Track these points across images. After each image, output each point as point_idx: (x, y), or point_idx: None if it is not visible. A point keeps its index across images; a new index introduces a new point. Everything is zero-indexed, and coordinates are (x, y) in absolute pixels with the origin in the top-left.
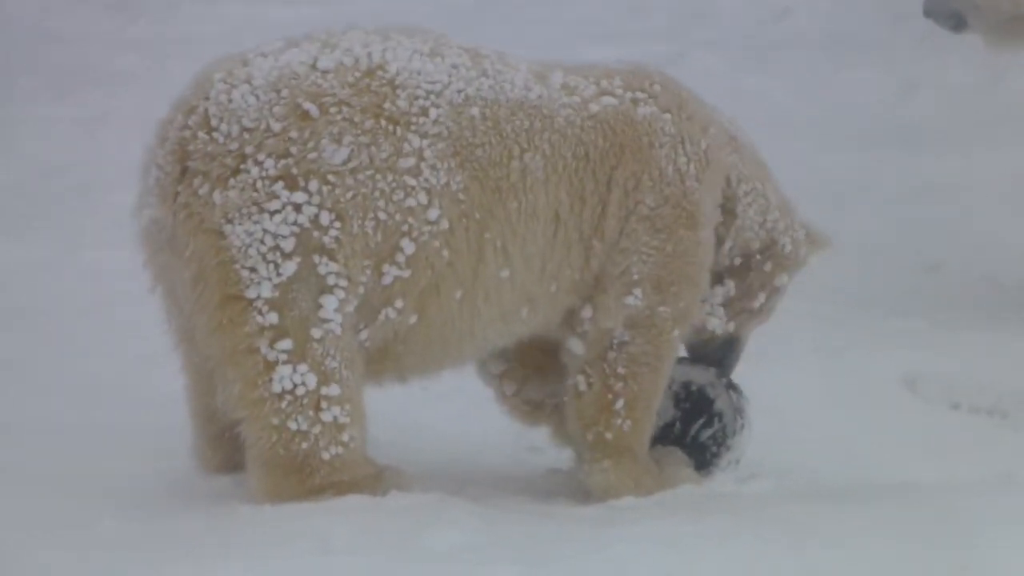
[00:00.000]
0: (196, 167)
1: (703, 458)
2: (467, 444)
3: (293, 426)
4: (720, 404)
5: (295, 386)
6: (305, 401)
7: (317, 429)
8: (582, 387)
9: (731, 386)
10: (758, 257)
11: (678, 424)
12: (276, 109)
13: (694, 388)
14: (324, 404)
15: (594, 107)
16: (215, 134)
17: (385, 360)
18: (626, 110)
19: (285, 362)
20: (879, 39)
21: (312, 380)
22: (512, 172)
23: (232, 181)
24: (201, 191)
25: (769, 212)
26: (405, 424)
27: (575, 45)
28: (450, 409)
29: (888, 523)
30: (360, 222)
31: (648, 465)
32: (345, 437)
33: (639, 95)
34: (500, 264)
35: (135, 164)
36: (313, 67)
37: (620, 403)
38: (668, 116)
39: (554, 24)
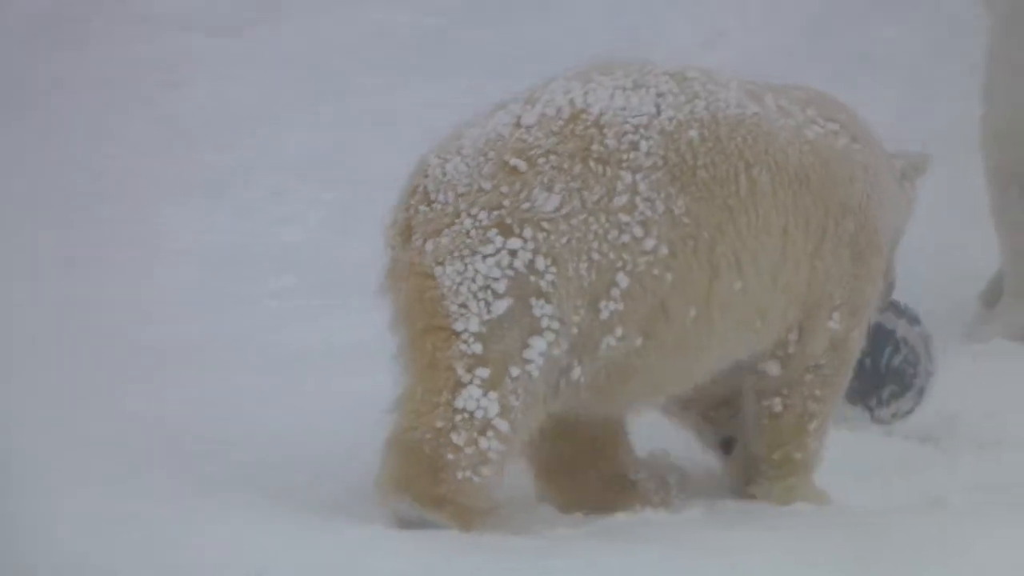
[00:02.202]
0: (416, 233)
1: (904, 382)
2: None
3: (453, 437)
4: (901, 331)
5: (476, 409)
6: (476, 424)
7: (470, 450)
8: (777, 408)
9: (912, 319)
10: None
11: (868, 360)
12: (485, 170)
13: (871, 324)
14: (490, 433)
15: (809, 133)
16: (434, 205)
17: (623, 382)
18: (831, 141)
19: (478, 387)
20: (809, 56)
21: (493, 410)
22: (741, 188)
23: (445, 231)
24: (416, 243)
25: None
26: None
27: (511, 70)
28: None
29: (821, 549)
30: (575, 265)
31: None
32: (485, 471)
33: (833, 126)
34: (734, 277)
35: None
36: (517, 125)
37: (814, 424)
38: (857, 147)
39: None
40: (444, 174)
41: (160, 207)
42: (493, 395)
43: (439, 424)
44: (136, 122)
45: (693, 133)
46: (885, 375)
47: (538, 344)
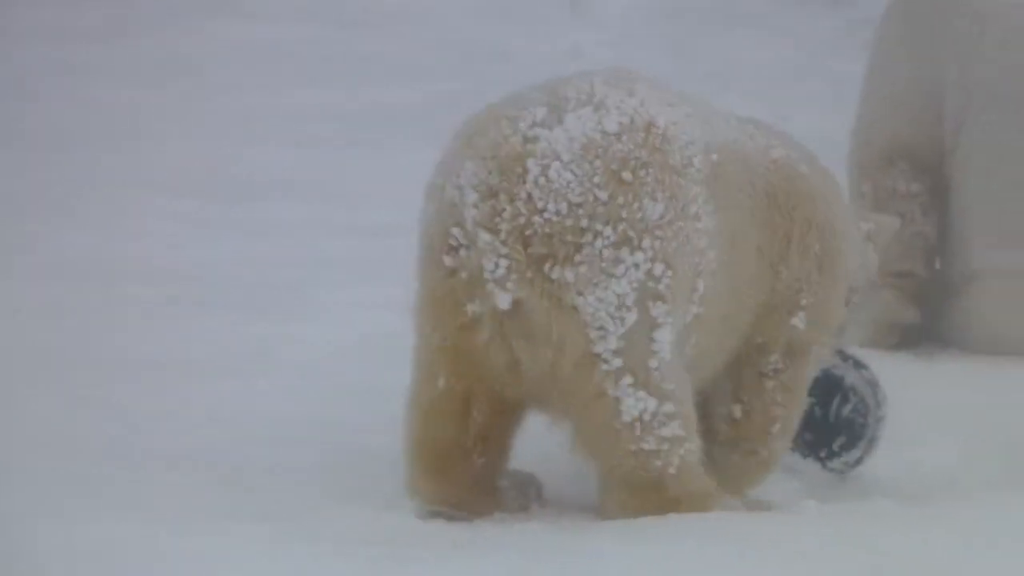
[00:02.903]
0: (539, 251)
1: (854, 431)
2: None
3: (646, 447)
4: (849, 379)
5: (641, 412)
6: (650, 423)
7: (664, 447)
8: (738, 415)
9: (857, 364)
10: None
11: (817, 410)
12: (596, 179)
13: (819, 373)
14: (664, 419)
15: (773, 154)
16: (547, 215)
17: None
18: (794, 162)
19: (630, 394)
20: (667, 75)
21: (652, 403)
22: (740, 212)
23: (578, 256)
24: (553, 274)
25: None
26: None
27: (368, 84)
28: None
29: (679, 553)
30: (682, 267)
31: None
32: (682, 450)
33: (794, 153)
34: (736, 298)
35: None
36: (604, 132)
37: (777, 426)
38: (819, 178)
39: (347, 63)
40: (549, 181)
41: (17, 221)
42: (643, 392)
43: (632, 447)
44: None
45: (714, 156)
46: (835, 425)
47: (661, 336)
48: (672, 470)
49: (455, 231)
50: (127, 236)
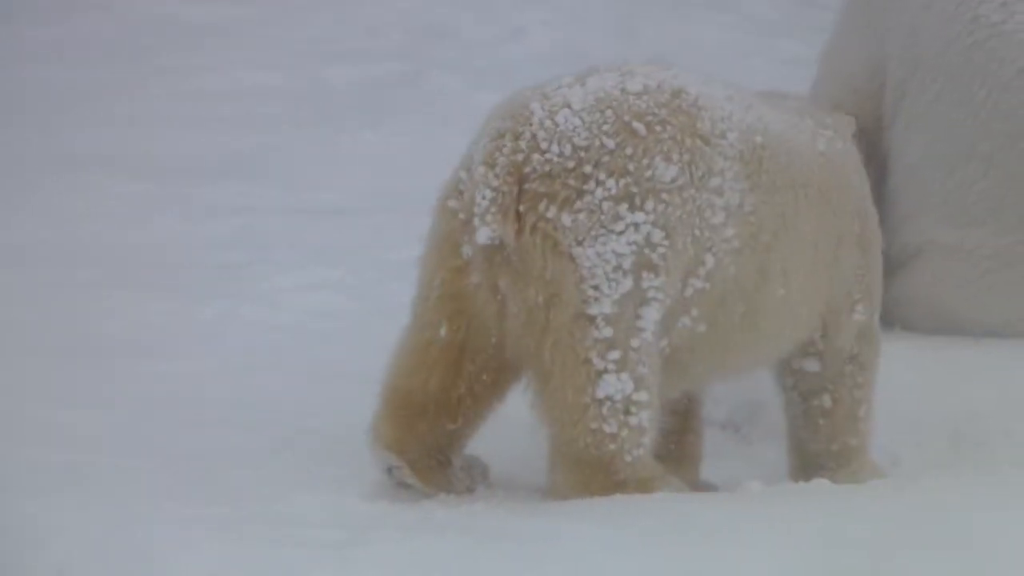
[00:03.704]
0: (536, 188)
1: None
2: None
3: (607, 428)
4: None
5: (615, 392)
6: (620, 406)
7: (624, 432)
8: (828, 404)
9: None
10: None
11: None
12: (605, 127)
13: None
14: (633, 409)
15: (820, 146)
16: (548, 155)
17: (675, 367)
18: (835, 149)
19: (612, 371)
20: (610, 56)
21: (629, 387)
22: (791, 200)
23: (579, 203)
24: (549, 214)
25: None
26: None
27: (310, 64)
28: None
29: (625, 534)
30: (683, 238)
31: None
32: (645, 440)
33: (828, 132)
34: (779, 285)
35: None
36: (624, 91)
37: (863, 409)
38: (849, 147)
39: (289, 43)
40: (556, 124)
41: None
42: (625, 375)
43: (593, 425)
44: None
45: (759, 139)
46: None
47: (648, 313)
48: (627, 457)
49: (462, 174)
50: (71, 218)
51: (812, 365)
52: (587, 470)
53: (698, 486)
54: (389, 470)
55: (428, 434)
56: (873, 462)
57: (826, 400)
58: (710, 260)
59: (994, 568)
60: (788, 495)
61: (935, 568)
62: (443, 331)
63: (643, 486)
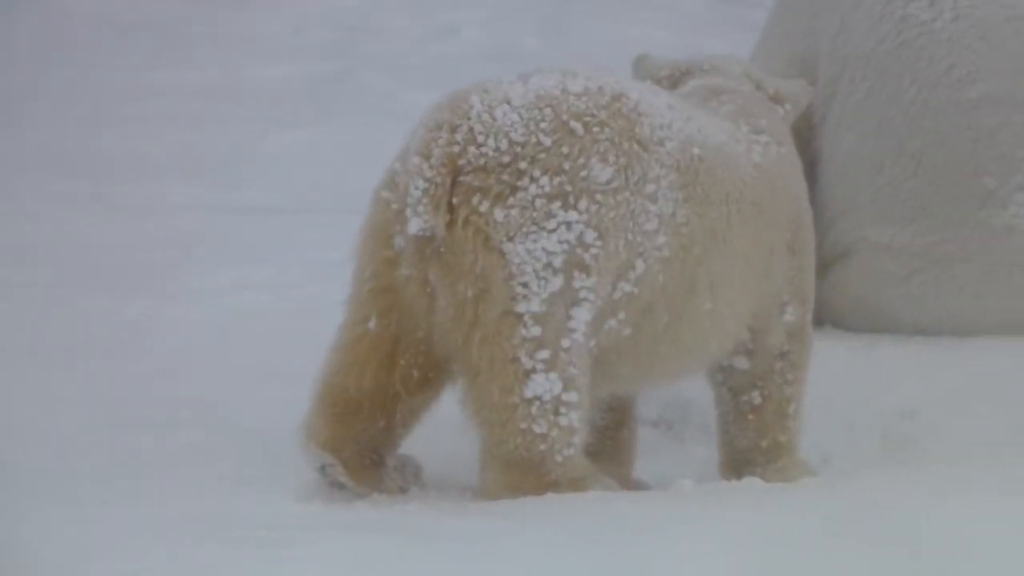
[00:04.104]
0: (470, 181)
1: None
2: None
3: (536, 429)
4: None
5: (544, 392)
6: (549, 406)
7: (555, 433)
8: (757, 400)
9: None
10: None
11: None
12: (543, 124)
13: None
14: (563, 409)
15: (755, 156)
16: (484, 148)
17: (601, 369)
18: (770, 156)
19: (541, 371)
20: (541, 54)
21: (558, 387)
22: (723, 215)
23: (512, 199)
24: (482, 208)
25: None
26: None
27: (239, 63)
28: None
29: (557, 533)
30: (615, 241)
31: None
32: (575, 440)
33: (763, 137)
34: (706, 299)
35: None
36: (565, 90)
37: (792, 407)
38: (784, 151)
39: (217, 42)
40: (493, 119)
41: None
42: (554, 375)
43: (522, 425)
44: None
45: (696, 151)
46: None
47: (579, 314)
48: (558, 457)
49: (397, 165)
50: (1, 218)
51: (741, 363)
52: (518, 471)
53: (631, 483)
54: (322, 468)
55: (362, 432)
56: (802, 459)
57: (755, 397)
58: (640, 265)
59: (929, 563)
60: (721, 493)
61: (872, 564)
62: (373, 324)
63: (575, 486)
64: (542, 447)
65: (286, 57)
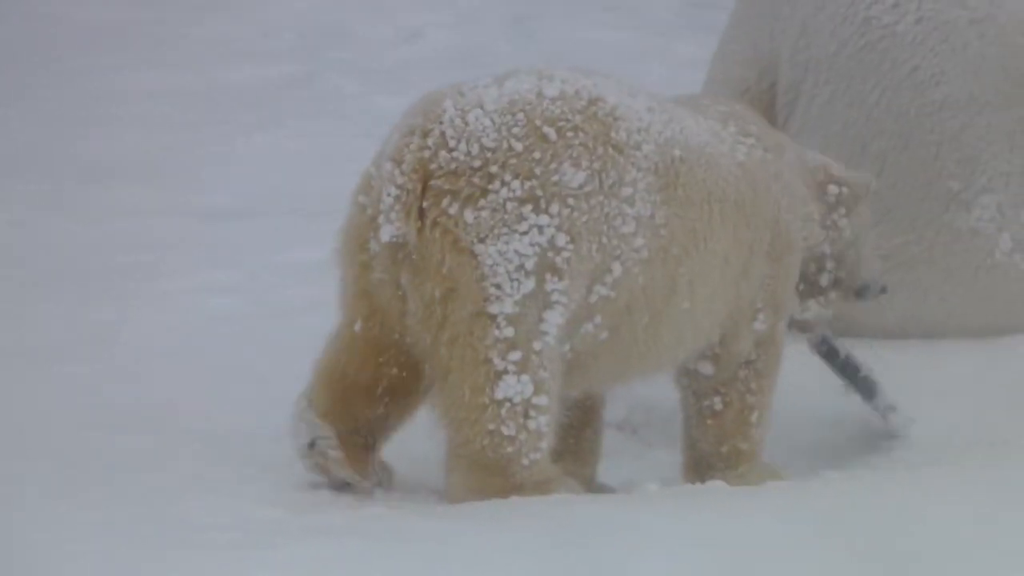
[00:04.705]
0: (440, 185)
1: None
2: None
3: (505, 431)
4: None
5: (515, 394)
6: (519, 409)
7: (523, 436)
8: (719, 407)
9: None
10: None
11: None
12: (515, 130)
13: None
14: (533, 413)
15: (739, 156)
16: (455, 153)
17: (577, 371)
18: (754, 158)
19: (513, 372)
20: (509, 57)
21: (529, 389)
22: (703, 215)
23: (482, 201)
24: (451, 210)
25: (814, 236)
26: None
27: (204, 66)
28: None
29: (522, 536)
30: (588, 244)
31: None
32: (543, 444)
33: (750, 140)
34: (685, 298)
35: None
36: (540, 94)
37: (755, 415)
38: (770, 156)
39: (183, 44)
40: (466, 124)
41: None
42: (526, 377)
43: (491, 426)
44: None
45: (677, 152)
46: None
47: (552, 317)
48: (525, 461)
49: (372, 170)
50: None
51: (706, 368)
52: (483, 472)
53: (593, 484)
54: (312, 443)
55: (361, 413)
56: (766, 467)
57: (717, 402)
58: (617, 268)
59: (901, 564)
60: (686, 496)
61: (842, 567)
62: (359, 327)
63: (540, 489)
64: (509, 449)
65: (253, 60)
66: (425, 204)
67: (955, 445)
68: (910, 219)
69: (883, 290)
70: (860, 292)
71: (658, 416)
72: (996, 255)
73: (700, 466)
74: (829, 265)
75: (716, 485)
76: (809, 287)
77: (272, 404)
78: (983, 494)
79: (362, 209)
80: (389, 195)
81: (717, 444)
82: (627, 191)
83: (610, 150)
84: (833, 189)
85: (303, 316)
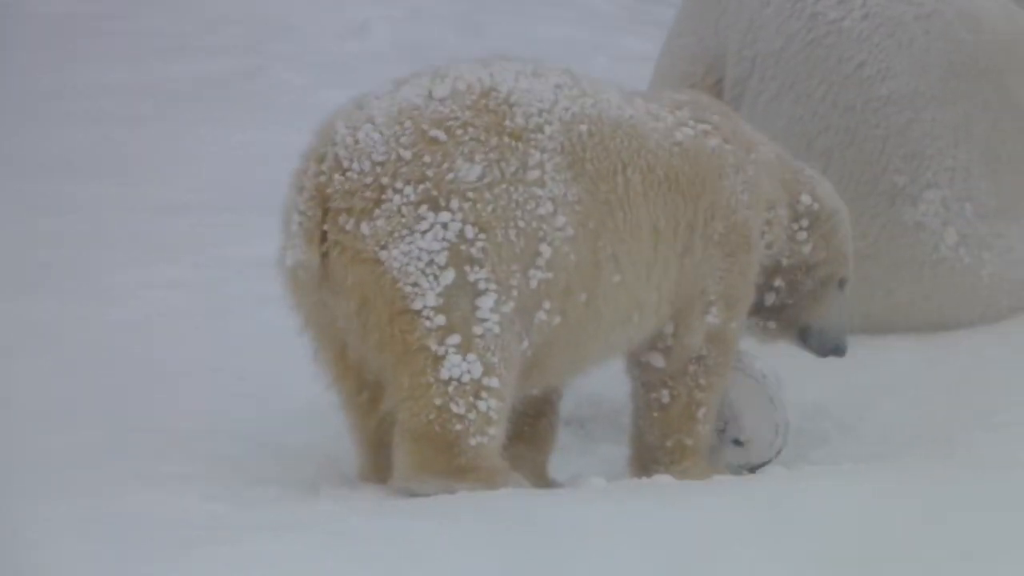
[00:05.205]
0: (337, 206)
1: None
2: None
3: (454, 408)
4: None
5: (462, 374)
6: (468, 388)
7: (472, 415)
8: (666, 400)
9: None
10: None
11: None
12: (403, 139)
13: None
14: (483, 394)
15: (678, 135)
16: (349, 173)
17: (536, 368)
18: (701, 142)
19: (455, 353)
20: (456, 52)
21: (478, 370)
22: (618, 186)
23: (377, 212)
24: (347, 226)
25: (778, 241)
26: None
27: (151, 60)
28: None
29: (469, 532)
30: (503, 231)
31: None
32: (491, 431)
33: (706, 127)
34: (612, 270)
35: None
36: (430, 97)
37: (702, 411)
38: (729, 147)
39: (129, 39)
40: (356, 142)
41: None
42: (472, 356)
43: (438, 402)
44: None
45: (584, 127)
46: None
47: (485, 303)
48: (472, 441)
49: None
50: None
51: (657, 360)
52: (430, 448)
53: (545, 474)
54: None
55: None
56: (710, 463)
57: (664, 395)
58: (546, 250)
59: (842, 558)
60: (631, 490)
61: (786, 561)
62: (321, 350)
63: (486, 478)
64: (458, 427)
65: (200, 55)
66: (326, 227)
67: (899, 439)
68: (856, 214)
69: (836, 351)
70: (804, 333)
71: (605, 411)
72: (941, 249)
73: (645, 460)
74: (777, 282)
75: (662, 479)
76: (756, 300)
77: (218, 399)
78: (927, 489)
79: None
80: (294, 223)
81: (663, 438)
82: (534, 174)
83: (506, 139)
84: (805, 199)
85: (249, 311)
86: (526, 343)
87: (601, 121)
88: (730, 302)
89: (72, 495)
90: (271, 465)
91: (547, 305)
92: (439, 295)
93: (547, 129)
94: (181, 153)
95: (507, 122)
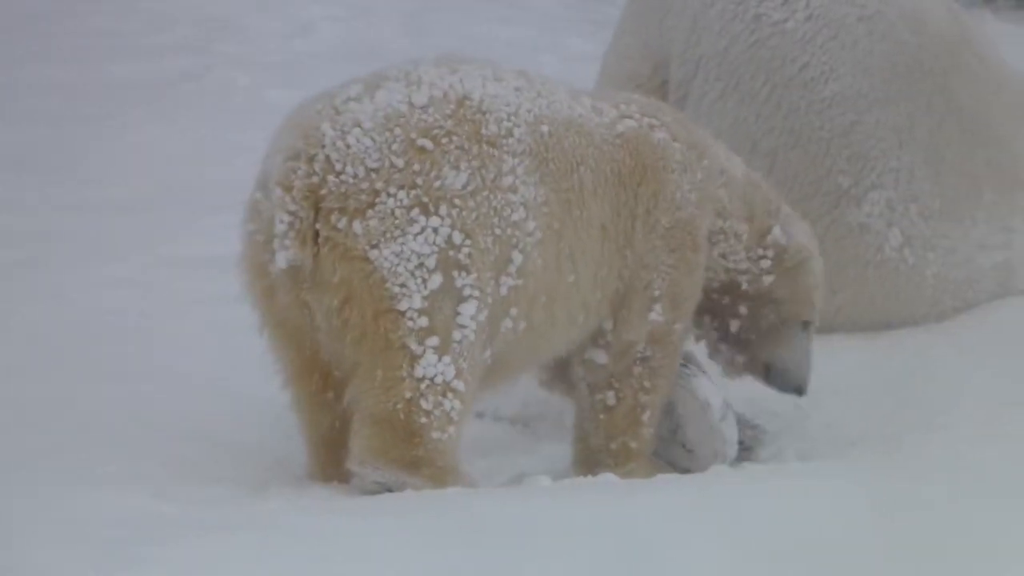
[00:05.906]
0: (330, 206)
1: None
2: None
3: (423, 403)
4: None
5: (436, 374)
6: (439, 388)
7: (438, 412)
8: (611, 401)
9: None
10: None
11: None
12: (394, 147)
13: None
14: (450, 395)
15: (620, 127)
16: (343, 176)
17: (495, 372)
18: (645, 133)
19: (432, 354)
20: (402, 52)
21: (451, 372)
22: (574, 184)
23: (370, 212)
24: (340, 224)
25: (734, 254)
26: None
27: (95, 59)
28: None
29: (418, 531)
30: (484, 238)
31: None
32: (451, 430)
33: (653, 121)
34: (568, 271)
35: None
36: (411, 105)
37: (647, 414)
38: (677, 145)
39: (73, 37)
40: (348, 146)
41: None
42: (447, 359)
43: (408, 395)
44: None
45: (544, 128)
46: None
47: (467, 310)
48: (434, 435)
49: (259, 195)
50: None
51: (600, 357)
52: (391, 434)
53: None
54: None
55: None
56: (654, 465)
57: (610, 397)
58: (518, 257)
59: (786, 557)
60: (576, 489)
61: (733, 560)
62: (283, 350)
63: (438, 476)
64: (423, 420)
65: (145, 54)
66: (318, 226)
67: (845, 439)
68: (801, 214)
69: (798, 391)
70: (769, 369)
71: (549, 410)
72: (886, 250)
73: (589, 461)
74: (742, 310)
75: (607, 477)
76: (720, 325)
77: (166, 397)
78: (872, 488)
79: (253, 237)
80: (282, 222)
81: (607, 440)
82: (508, 180)
83: (484, 146)
84: (776, 232)
85: (195, 310)
86: (488, 352)
87: (556, 121)
88: (675, 301)
89: (14, 495)
90: (221, 465)
91: (514, 312)
92: (425, 298)
93: (516, 132)
94: (130, 152)
95: (483, 130)
